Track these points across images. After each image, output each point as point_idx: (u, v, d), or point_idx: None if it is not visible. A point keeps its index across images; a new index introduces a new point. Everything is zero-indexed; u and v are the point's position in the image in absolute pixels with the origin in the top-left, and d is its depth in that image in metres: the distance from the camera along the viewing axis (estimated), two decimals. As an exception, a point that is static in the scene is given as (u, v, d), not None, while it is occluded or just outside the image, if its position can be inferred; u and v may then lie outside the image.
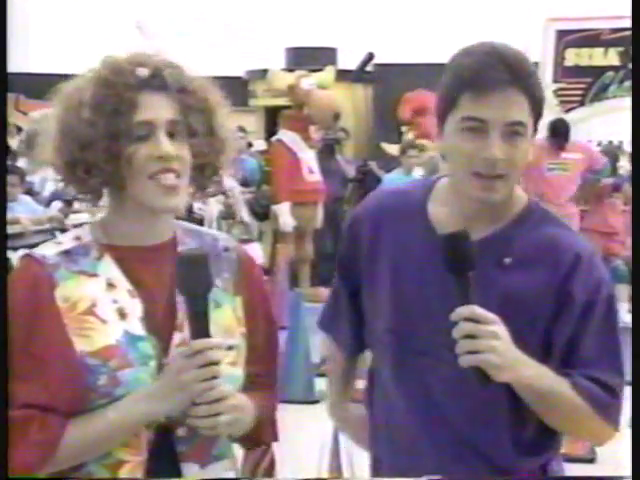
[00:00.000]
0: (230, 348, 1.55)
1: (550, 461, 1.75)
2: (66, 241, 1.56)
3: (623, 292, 8.47)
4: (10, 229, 5.62)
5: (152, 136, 1.50)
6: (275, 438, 1.71)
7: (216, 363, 1.45)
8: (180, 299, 1.52)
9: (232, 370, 1.55)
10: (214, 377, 1.45)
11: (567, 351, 1.65)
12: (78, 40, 12.70)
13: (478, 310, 1.52)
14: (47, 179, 7.14)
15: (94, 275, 1.52)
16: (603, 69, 10.87)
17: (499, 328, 1.53)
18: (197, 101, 1.56)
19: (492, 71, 1.56)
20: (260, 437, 1.67)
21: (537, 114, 1.63)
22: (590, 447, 4.76)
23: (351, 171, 9.94)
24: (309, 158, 7.14)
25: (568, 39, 10.93)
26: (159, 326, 1.52)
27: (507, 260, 1.65)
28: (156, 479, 1.49)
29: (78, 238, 1.56)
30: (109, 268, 1.53)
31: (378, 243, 1.73)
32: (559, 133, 7.44)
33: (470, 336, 1.51)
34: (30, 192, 6.95)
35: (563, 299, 1.64)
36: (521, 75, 1.58)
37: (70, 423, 1.47)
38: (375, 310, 1.74)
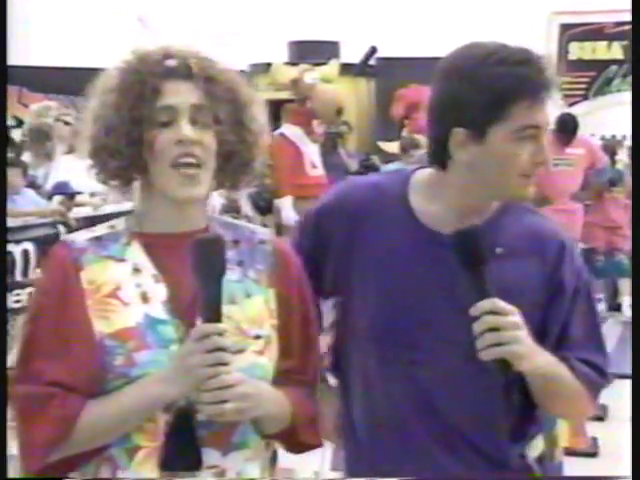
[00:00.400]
0: (258, 337, 1.56)
1: (525, 448, 1.79)
2: (100, 229, 1.61)
3: (625, 286, 8.48)
4: (12, 222, 5.63)
5: (174, 122, 1.53)
6: (318, 441, 1.68)
7: (224, 349, 1.45)
8: None
9: (257, 358, 1.56)
10: (222, 364, 1.45)
11: (560, 336, 1.70)
12: (81, 33, 12.69)
13: (499, 303, 1.54)
14: (50, 173, 7.15)
15: (122, 260, 1.56)
16: (607, 63, 10.87)
17: (519, 318, 1.56)
18: (225, 91, 1.57)
19: (543, 79, 1.61)
20: (300, 438, 1.64)
21: None
22: (592, 441, 4.77)
23: (354, 165, 9.92)
24: (312, 152, 7.12)
25: (572, 33, 10.93)
26: (184, 311, 1.53)
27: (499, 250, 1.67)
28: (175, 464, 1.50)
29: (112, 227, 1.61)
30: (136, 253, 1.56)
31: (356, 238, 1.73)
32: (568, 128, 7.38)
33: (492, 329, 1.53)
34: (33, 185, 6.94)
35: (555, 287, 1.69)
36: (554, 79, 1.64)
37: (89, 402, 1.50)
38: (355, 307, 1.74)
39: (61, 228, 6.61)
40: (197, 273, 1.47)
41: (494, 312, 1.53)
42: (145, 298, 1.53)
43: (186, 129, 1.51)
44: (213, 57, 1.61)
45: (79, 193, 7.03)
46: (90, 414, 1.49)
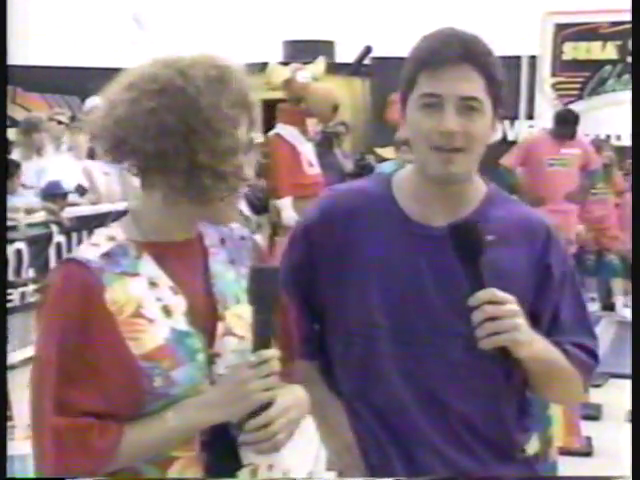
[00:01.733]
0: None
1: (525, 441, 1.81)
2: (102, 242, 1.53)
3: (618, 286, 8.48)
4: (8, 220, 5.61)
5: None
6: None
7: (275, 373, 1.48)
8: (217, 290, 1.56)
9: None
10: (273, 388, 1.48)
11: (551, 321, 1.73)
12: (76, 33, 12.68)
13: (498, 292, 1.56)
14: (44, 170, 7.10)
15: (136, 275, 1.51)
16: (601, 63, 10.87)
17: (516, 306, 1.58)
18: None
19: (445, 49, 1.62)
20: None
21: (495, 94, 1.67)
22: (586, 441, 4.77)
23: (349, 165, 9.93)
24: (308, 151, 7.10)
25: (566, 33, 10.92)
26: (202, 319, 1.53)
27: (490, 237, 1.68)
28: (217, 469, 1.52)
29: (112, 238, 1.53)
30: (149, 267, 1.52)
31: (351, 243, 1.74)
32: (567, 122, 7.34)
33: (492, 318, 1.55)
34: (22, 185, 6.84)
35: (543, 271, 1.73)
36: (474, 52, 1.63)
37: (128, 427, 1.47)
38: (353, 310, 1.73)
39: (54, 228, 6.61)
40: (253, 300, 1.50)
41: (493, 302, 1.55)
42: (167, 312, 1.50)
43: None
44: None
45: (71, 192, 7.00)
46: (131, 440, 1.46)
